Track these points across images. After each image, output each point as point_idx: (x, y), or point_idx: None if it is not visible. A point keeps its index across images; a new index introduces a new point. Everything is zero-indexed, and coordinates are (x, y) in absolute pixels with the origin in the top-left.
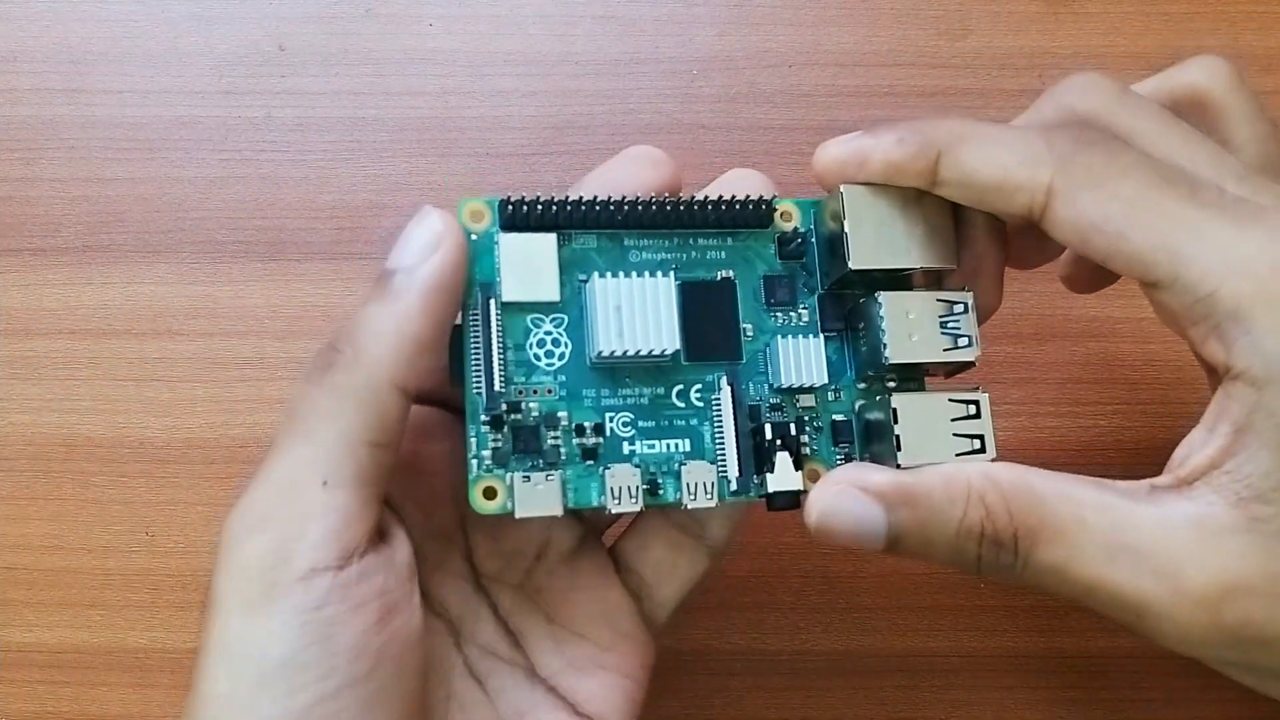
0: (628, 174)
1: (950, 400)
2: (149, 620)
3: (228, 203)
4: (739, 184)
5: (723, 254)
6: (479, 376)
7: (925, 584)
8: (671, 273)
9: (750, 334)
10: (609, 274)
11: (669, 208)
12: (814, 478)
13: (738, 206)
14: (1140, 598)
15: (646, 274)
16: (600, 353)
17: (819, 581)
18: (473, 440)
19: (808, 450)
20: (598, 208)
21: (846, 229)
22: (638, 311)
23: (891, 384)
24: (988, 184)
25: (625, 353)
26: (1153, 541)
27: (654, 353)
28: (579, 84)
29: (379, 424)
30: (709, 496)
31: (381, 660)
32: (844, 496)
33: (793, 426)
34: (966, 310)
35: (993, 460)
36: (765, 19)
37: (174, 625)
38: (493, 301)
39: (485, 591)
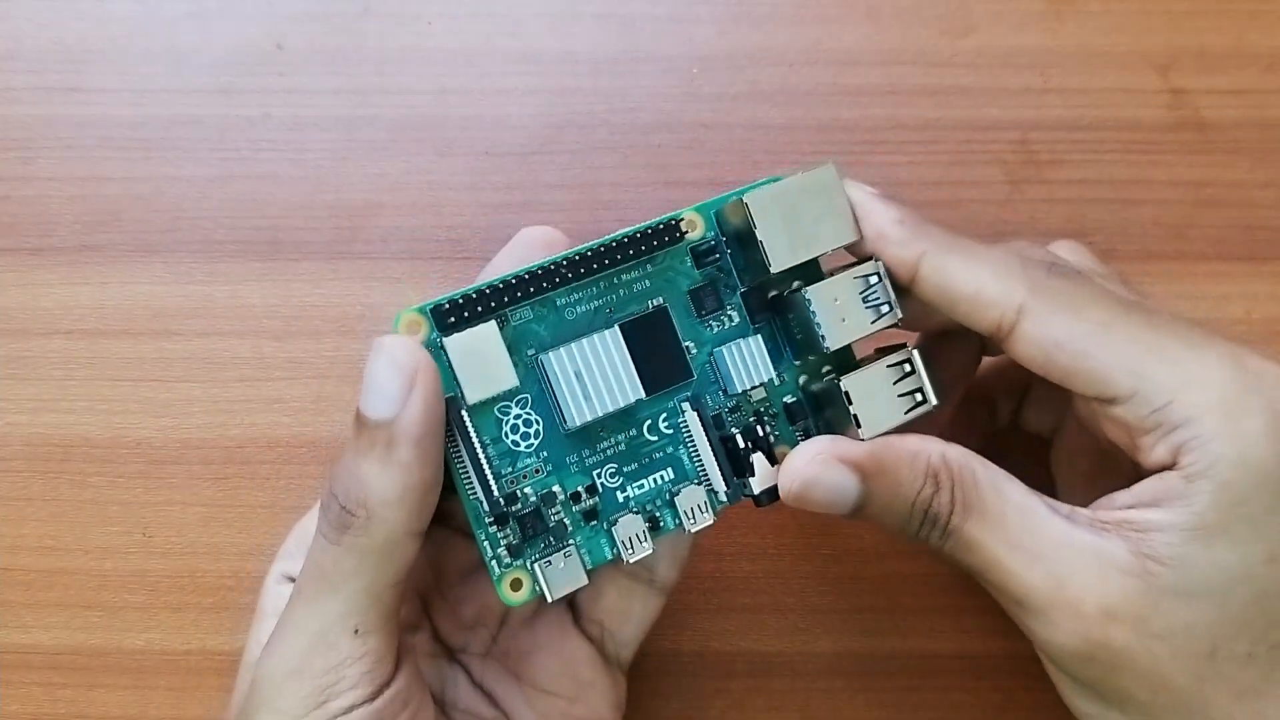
0: (525, 261)
1: (888, 366)
2: (146, 621)
3: (225, 202)
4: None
5: (647, 281)
6: (471, 484)
7: (926, 585)
8: (616, 325)
9: (693, 350)
10: (558, 347)
11: (589, 259)
12: (783, 458)
13: (649, 234)
14: (1027, 589)
15: (594, 335)
16: (576, 424)
17: (820, 583)
18: (486, 544)
19: (772, 438)
20: (522, 283)
21: (760, 236)
22: (597, 372)
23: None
24: (963, 293)
25: (599, 416)
26: (1055, 548)
27: (621, 405)
28: (579, 82)
29: (399, 569)
30: (706, 515)
31: None
32: (827, 467)
33: (758, 427)
34: (880, 279)
35: (935, 406)
36: (766, 17)
37: (171, 626)
38: (464, 413)
39: (458, 662)
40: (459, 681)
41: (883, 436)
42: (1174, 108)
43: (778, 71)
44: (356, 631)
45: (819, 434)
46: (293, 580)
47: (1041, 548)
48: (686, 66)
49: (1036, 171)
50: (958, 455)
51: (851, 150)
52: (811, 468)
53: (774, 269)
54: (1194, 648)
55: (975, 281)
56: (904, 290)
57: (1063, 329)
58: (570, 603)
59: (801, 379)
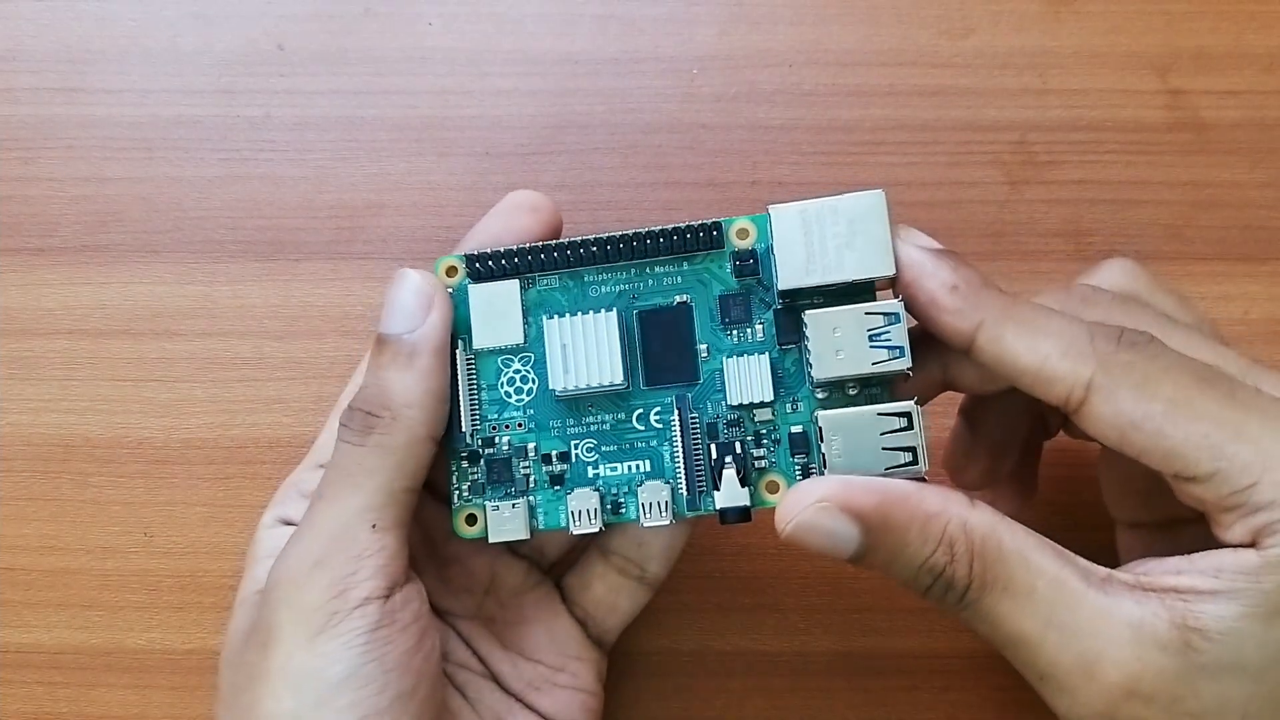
0: (509, 225)
1: (880, 415)
2: (147, 621)
3: (226, 202)
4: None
5: (679, 279)
6: (454, 419)
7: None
8: (614, 311)
9: (706, 354)
10: (557, 315)
11: (623, 244)
12: (773, 489)
13: (689, 234)
14: (1053, 668)
15: (591, 312)
16: (554, 390)
17: (820, 583)
18: (453, 474)
19: (765, 463)
20: (555, 253)
21: (775, 250)
22: (582, 349)
23: (853, 393)
24: (1026, 369)
25: (575, 388)
26: (1088, 626)
27: (601, 385)
28: (579, 83)
29: (416, 472)
30: (664, 515)
31: (422, 676)
32: (824, 514)
33: (739, 444)
34: (897, 321)
35: (925, 473)
36: (765, 18)
37: (172, 626)
38: (459, 351)
39: (446, 623)
40: (449, 637)
41: (903, 485)
42: (1172, 108)
43: (777, 72)
44: (374, 527)
45: (820, 471)
46: (287, 524)
47: (1074, 625)
48: (686, 67)
49: (1035, 172)
50: (981, 524)
51: (851, 151)
52: (808, 512)
53: (781, 286)
54: None
55: (1038, 356)
56: (961, 355)
57: (1136, 408)
58: (558, 585)
59: (816, 413)
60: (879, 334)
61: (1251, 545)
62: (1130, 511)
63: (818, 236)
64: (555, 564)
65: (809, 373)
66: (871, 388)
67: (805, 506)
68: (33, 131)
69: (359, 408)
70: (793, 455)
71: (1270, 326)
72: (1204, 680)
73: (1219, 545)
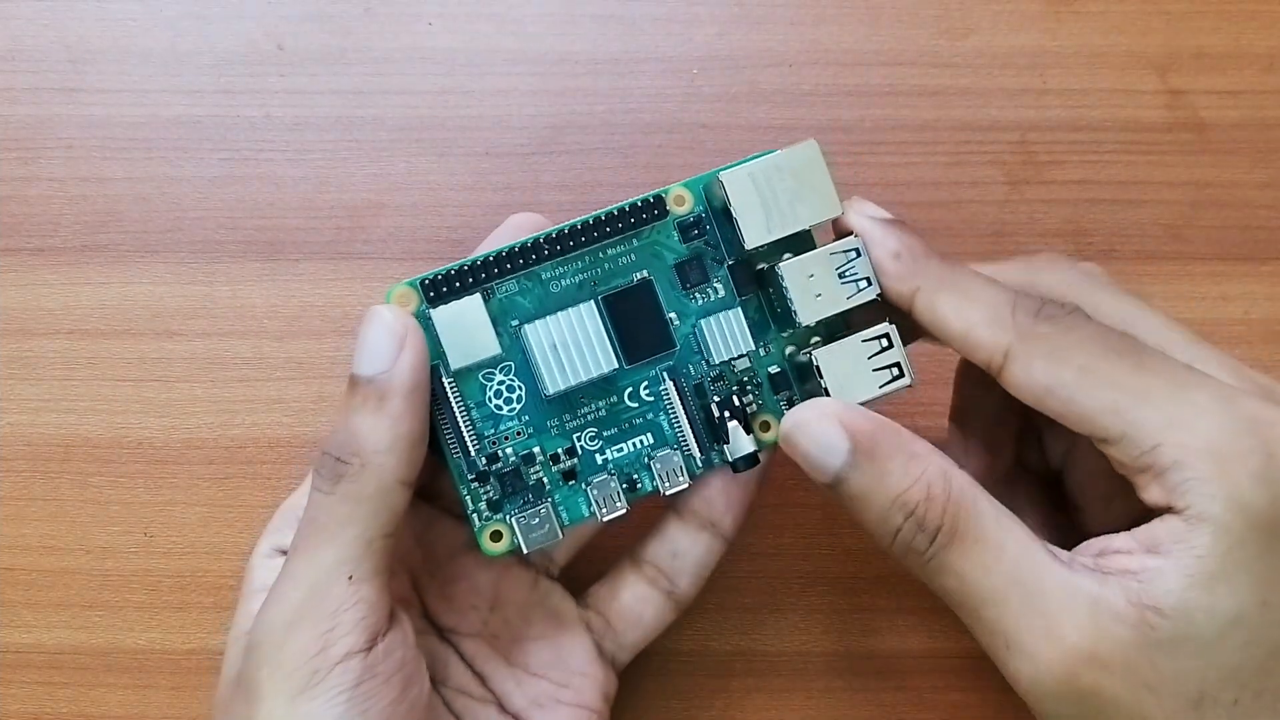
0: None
1: (863, 341)
2: (147, 621)
3: (226, 202)
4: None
5: (632, 256)
6: (455, 445)
7: (926, 585)
8: (591, 300)
9: (676, 321)
10: (536, 319)
11: (573, 235)
12: (765, 427)
13: (635, 210)
14: (1016, 630)
15: (569, 308)
16: (551, 391)
17: (819, 583)
18: (467, 498)
19: (754, 407)
20: (508, 258)
21: (735, 213)
22: (571, 344)
23: (815, 328)
24: (955, 334)
25: (573, 385)
26: (1051, 591)
27: (596, 377)
28: (579, 83)
29: (391, 519)
30: (681, 479)
31: None
32: (823, 421)
33: (735, 397)
34: (860, 254)
35: (911, 384)
36: (765, 18)
37: (172, 626)
38: (444, 380)
39: (449, 642)
40: (450, 660)
41: (894, 424)
42: (1172, 108)
43: (778, 72)
44: (350, 579)
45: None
46: (281, 553)
47: (1038, 587)
48: (686, 67)
49: (1035, 172)
50: (962, 480)
51: (851, 150)
52: (808, 414)
53: (748, 245)
54: (1182, 697)
55: (964, 324)
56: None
57: (1046, 375)
58: (583, 597)
59: (788, 350)
60: (847, 270)
61: (1169, 508)
62: (1100, 517)
63: (769, 193)
64: (563, 571)
65: (796, 320)
66: (830, 319)
67: (806, 410)
68: (32, 131)
69: (329, 453)
70: (776, 394)
71: (1270, 326)
72: (1160, 654)
73: (1148, 512)
